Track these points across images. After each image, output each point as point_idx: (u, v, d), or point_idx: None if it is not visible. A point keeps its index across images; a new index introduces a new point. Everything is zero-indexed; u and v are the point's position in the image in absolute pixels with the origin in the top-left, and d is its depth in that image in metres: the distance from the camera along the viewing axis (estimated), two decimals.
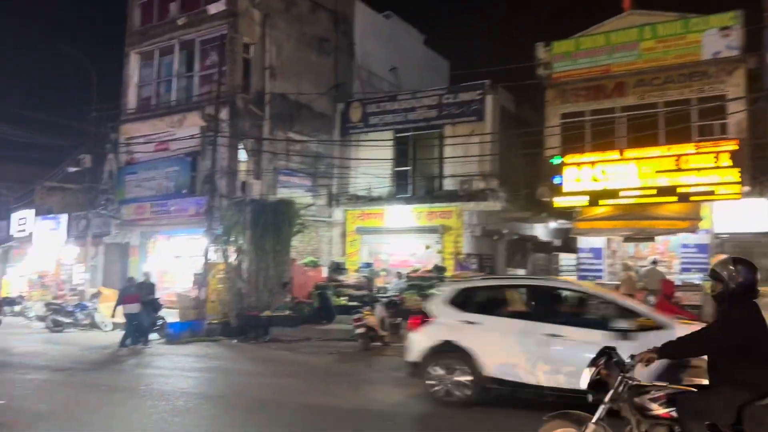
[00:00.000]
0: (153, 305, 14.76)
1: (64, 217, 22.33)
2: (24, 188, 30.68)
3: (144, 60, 20.51)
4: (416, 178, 20.22)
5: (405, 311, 14.77)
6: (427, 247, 19.33)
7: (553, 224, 21.56)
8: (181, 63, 19.58)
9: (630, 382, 4.08)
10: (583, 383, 4.18)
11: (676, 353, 4.33)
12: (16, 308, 20.26)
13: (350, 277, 19.01)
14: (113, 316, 18.05)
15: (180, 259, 19.18)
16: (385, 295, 17.35)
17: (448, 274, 17.73)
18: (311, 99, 19.87)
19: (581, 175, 15.95)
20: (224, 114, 16.83)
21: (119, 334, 15.88)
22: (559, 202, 16.60)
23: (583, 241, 17.37)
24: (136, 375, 10.64)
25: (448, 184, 19.29)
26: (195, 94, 18.28)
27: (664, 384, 4.17)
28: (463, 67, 35.39)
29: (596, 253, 17.34)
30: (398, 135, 20.32)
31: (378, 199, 20.21)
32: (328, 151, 20.59)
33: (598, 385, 4.14)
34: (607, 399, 4.09)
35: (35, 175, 30.78)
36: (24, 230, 24.66)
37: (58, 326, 16.62)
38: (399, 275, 17.96)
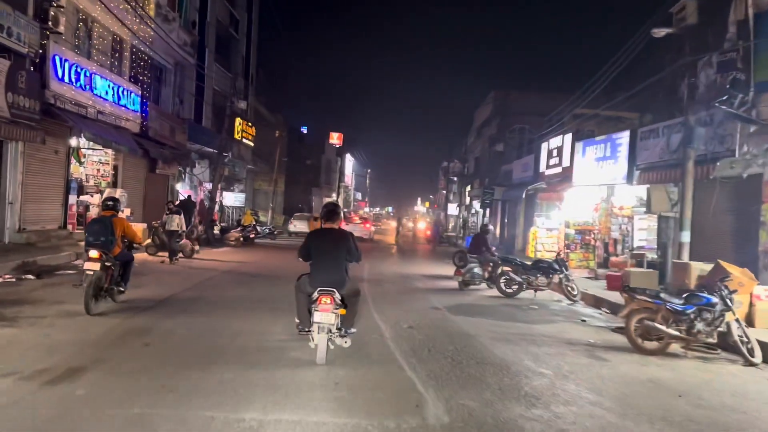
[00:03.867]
0: None
1: (624, 136, 13.64)
2: (549, 120, 24.15)
3: None
4: None
5: None
6: None
7: None
8: None
9: None
10: None
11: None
12: (557, 277, 12.70)
13: None
14: None
15: None
16: None
17: None
18: None
19: None
20: None
21: None
22: None
23: None
24: None
25: None
26: None
27: None
28: None
29: None
30: None
31: None
32: None
33: None
34: None
35: (563, 102, 23.79)
36: (558, 163, 17.48)
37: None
38: None
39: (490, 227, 15.77)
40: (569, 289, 12.80)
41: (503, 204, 28.18)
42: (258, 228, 26.45)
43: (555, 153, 17.63)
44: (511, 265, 13.43)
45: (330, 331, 5.84)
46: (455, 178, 52.59)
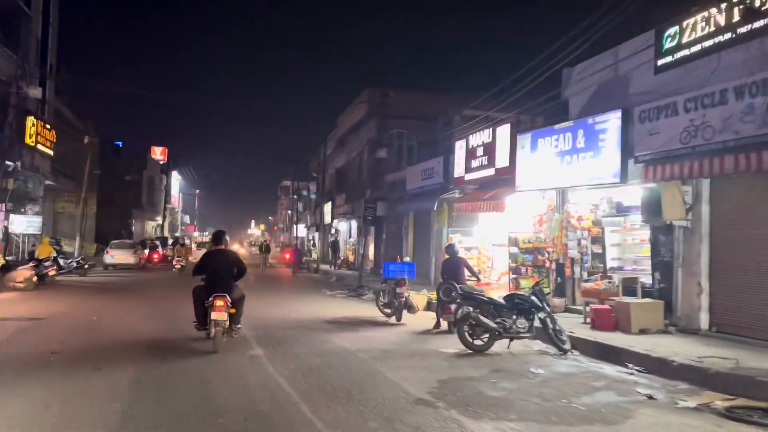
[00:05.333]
0: None
1: (611, 118, 10.03)
2: (434, 125, 20.93)
3: None
4: None
5: None
6: None
7: None
8: None
9: None
10: None
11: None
12: (536, 318, 8.64)
13: None
14: None
15: None
16: None
17: None
18: None
19: None
20: None
21: None
22: None
23: None
24: None
25: None
26: None
27: None
28: None
29: None
30: None
31: None
32: None
33: None
34: None
35: (450, 103, 20.81)
36: (488, 164, 13.64)
37: None
38: None
39: (456, 246, 11.44)
40: (557, 333, 8.83)
41: (379, 221, 23.99)
42: (61, 261, 19.45)
43: (481, 152, 13.86)
44: (474, 302, 9.17)
45: (223, 326, 7.80)
46: (305, 193, 47.72)
